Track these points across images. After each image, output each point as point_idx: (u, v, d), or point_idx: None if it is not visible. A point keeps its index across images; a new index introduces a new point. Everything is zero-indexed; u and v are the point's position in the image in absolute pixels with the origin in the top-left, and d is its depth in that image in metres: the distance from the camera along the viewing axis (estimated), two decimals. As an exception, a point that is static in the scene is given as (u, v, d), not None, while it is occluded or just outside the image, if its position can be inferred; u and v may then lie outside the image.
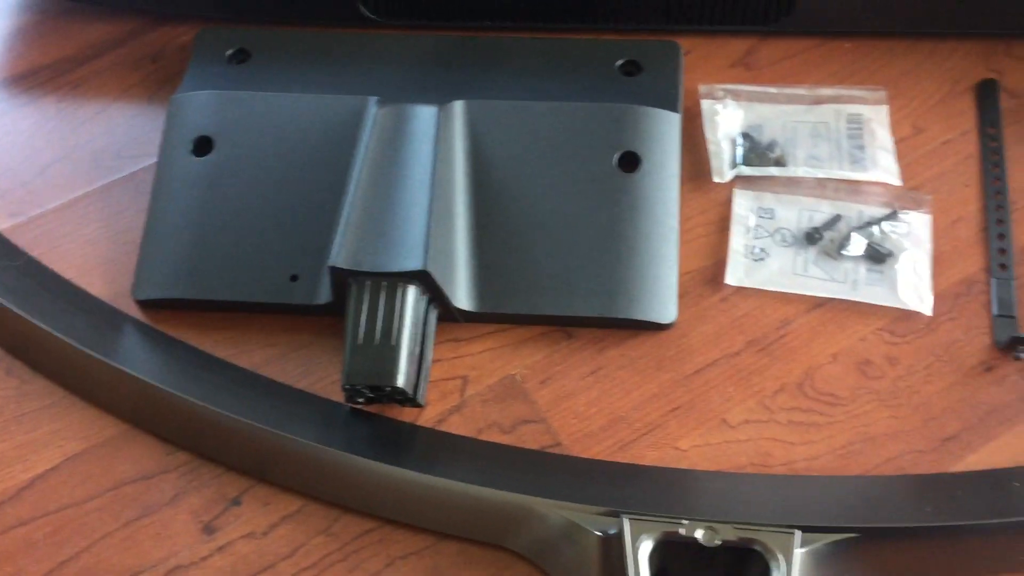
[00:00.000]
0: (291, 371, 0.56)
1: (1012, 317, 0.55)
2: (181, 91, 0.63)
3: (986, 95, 0.63)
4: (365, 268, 0.51)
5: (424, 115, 0.57)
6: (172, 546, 0.52)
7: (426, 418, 0.54)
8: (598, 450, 0.53)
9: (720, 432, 0.53)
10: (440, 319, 0.55)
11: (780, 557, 0.42)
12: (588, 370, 0.55)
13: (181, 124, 0.61)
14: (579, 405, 0.54)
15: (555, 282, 0.55)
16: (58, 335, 0.54)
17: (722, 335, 0.56)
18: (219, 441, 0.53)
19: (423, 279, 0.51)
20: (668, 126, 0.59)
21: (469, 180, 0.57)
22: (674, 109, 0.60)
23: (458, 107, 0.59)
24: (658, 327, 0.55)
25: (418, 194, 0.54)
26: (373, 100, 0.59)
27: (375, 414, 0.54)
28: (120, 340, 0.56)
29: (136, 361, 0.54)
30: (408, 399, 0.52)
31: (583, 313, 0.55)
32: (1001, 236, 0.58)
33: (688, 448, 0.53)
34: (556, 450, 0.53)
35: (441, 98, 0.59)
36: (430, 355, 0.54)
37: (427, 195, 0.53)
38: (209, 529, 0.52)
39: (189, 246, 0.57)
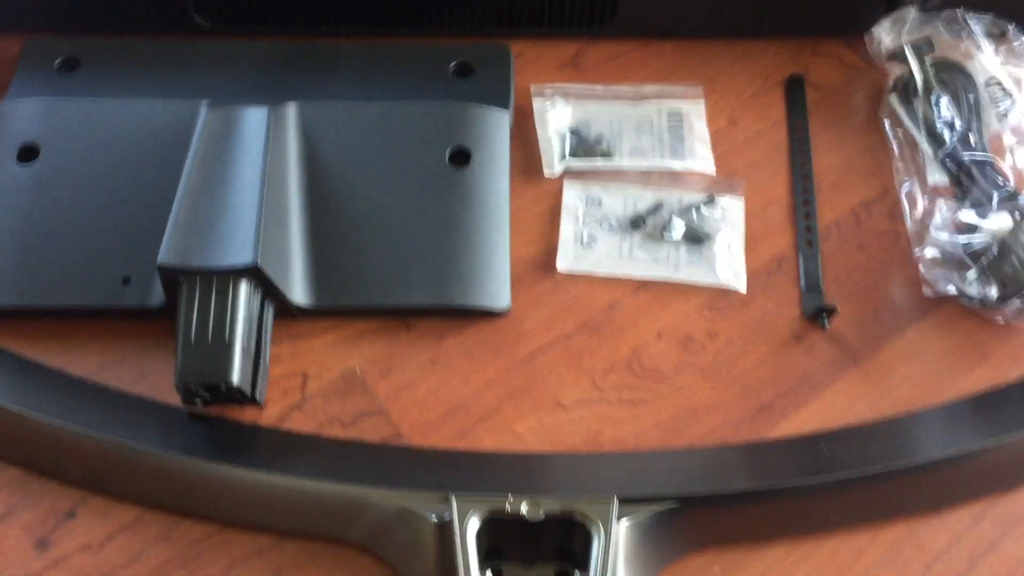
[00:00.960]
0: (126, 376, 0.55)
1: (818, 289, 0.59)
2: (6, 101, 0.62)
3: (794, 89, 0.68)
4: (194, 264, 0.51)
5: (254, 116, 0.58)
6: (4, 562, 0.50)
7: (268, 416, 0.55)
8: (437, 438, 0.54)
9: (554, 414, 0.55)
10: (277, 315, 0.55)
11: (600, 524, 0.44)
12: (427, 359, 0.57)
13: (5, 132, 0.60)
14: (418, 395, 0.56)
15: (391, 274, 0.56)
16: None
17: (555, 319, 0.58)
18: (50, 453, 0.52)
19: (255, 274, 0.52)
20: (498, 122, 0.61)
21: (304, 179, 0.58)
22: (504, 106, 0.62)
23: (291, 108, 0.59)
24: (493, 313, 0.57)
25: (248, 192, 0.54)
26: (204, 103, 0.59)
27: (215, 416, 0.54)
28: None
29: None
30: (246, 397, 0.52)
31: (419, 303, 0.56)
32: (807, 216, 0.62)
33: (524, 431, 0.55)
34: (396, 441, 0.54)
35: (274, 101, 0.60)
36: (268, 352, 0.54)
37: (258, 193, 0.54)
38: (42, 544, 0.51)
39: (15, 254, 0.56)
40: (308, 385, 0.56)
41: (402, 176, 0.58)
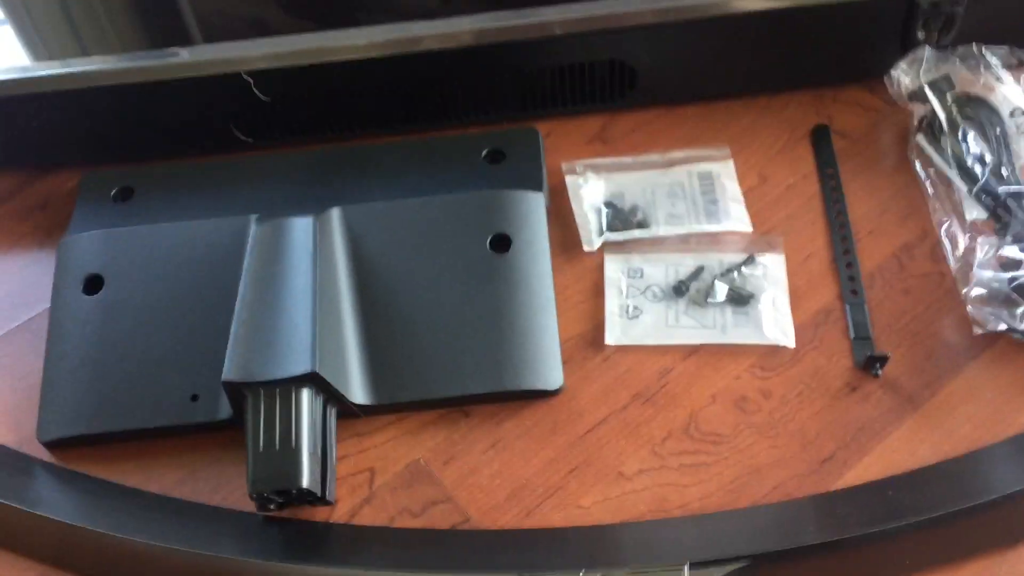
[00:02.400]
0: (202, 490, 0.57)
1: (868, 338, 0.59)
2: (68, 234, 0.66)
3: (820, 139, 0.69)
4: (257, 378, 0.53)
5: (301, 226, 0.60)
6: None
7: (339, 514, 0.56)
8: (505, 520, 0.55)
9: (618, 485, 0.56)
10: (340, 416, 0.57)
11: (672, 593, 0.44)
12: (488, 444, 0.58)
13: (70, 265, 0.63)
14: (483, 479, 0.57)
15: (445, 366, 0.58)
16: (-35, 488, 0.54)
17: (609, 393, 0.59)
18: (139, 570, 0.54)
19: (315, 380, 0.54)
20: (533, 205, 0.63)
21: (353, 281, 0.60)
22: (537, 188, 0.64)
23: (335, 214, 0.62)
24: (547, 394, 0.58)
25: (302, 301, 0.56)
26: (253, 218, 0.62)
27: (289, 519, 0.56)
28: (30, 484, 0.57)
29: (47, 503, 0.55)
30: (317, 498, 0.54)
31: (475, 391, 0.57)
32: (849, 265, 0.63)
33: (590, 505, 0.55)
34: (465, 526, 0.55)
35: (319, 208, 0.62)
36: (334, 452, 0.56)
37: (310, 301, 0.56)
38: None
39: (88, 382, 0.59)
40: (375, 480, 0.57)
41: (446, 267, 0.60)
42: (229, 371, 0.54)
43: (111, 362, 0.59)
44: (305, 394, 0.54)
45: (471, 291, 0.60)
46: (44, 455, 0.59)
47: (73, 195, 0.69)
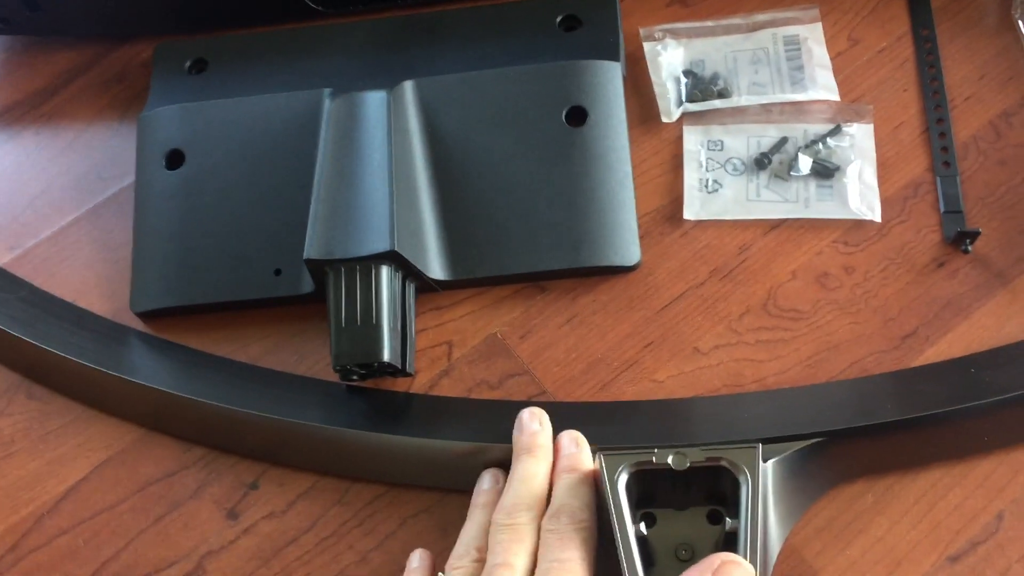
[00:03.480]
0: (288, 359, 0.59)
1: (959, 212, 0.57)
2: (147, 109, 0.66)
3: (917, -3, 0.65)
4: (337, 256, 0.54)
5: (375, 101, 0.60)
6: (201, 534, 0.56)
7: (419, 385, 0.58)
8: (580, 393, 0.56)
9: (693, 360, 0.56)
10: (419, 291, 0.58)
11: (746, 471, 0.45)
12: (564, 319, 0.59)
13: (151, 141, 0.64)
14: (559, 353, 0.58)
15: (521, 241, 0.58)
16: (69, 357, 0.57)
17: (686, 268, 0.59)
18: (231, 434, 0.57)
19: (394, 258, 0.55)
20: (610, 76, 0.61)
21: (428, 156, 0.60)
22: (614, 59, 0.62)
23: (408, 87, 0.61)
24: (624, 270, 0.58)
25: (378, 178, 0.56)
26: (327, 92, 0.62)
27: (371, 388, 0.58)
28: (126, 353, 0.60)
29: (144, 371, 0.58)
30: (398, 370, 0.55)
31: (552, 267, 0.58)
32: (942, 135, 0.60)
33: (665, 379, 0.56)
34: (542, 398, 0.56)
35: (392, 80, 0.61)
36: (413, 326, 0.57)
37: (387, 178, 0.56)
38: (232, 515, 0.56)
39: (176, 256, 0.60)
40: (453, 353, 0.58)
41: (521, 142, 0.60)
42: (310, 249, 0.55)
43: (196, 236, 0.60)
44: (384, 271, 0.54)
45: (546, 165, 0.59)
46: (137, 325, 0.62)
47: (148, 66, 0.70)
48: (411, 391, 0.58)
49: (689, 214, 0.60)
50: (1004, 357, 0.52)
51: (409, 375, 0.57)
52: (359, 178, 0.57)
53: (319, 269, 0.55)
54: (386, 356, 0.53)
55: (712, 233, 0.60)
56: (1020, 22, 0.62)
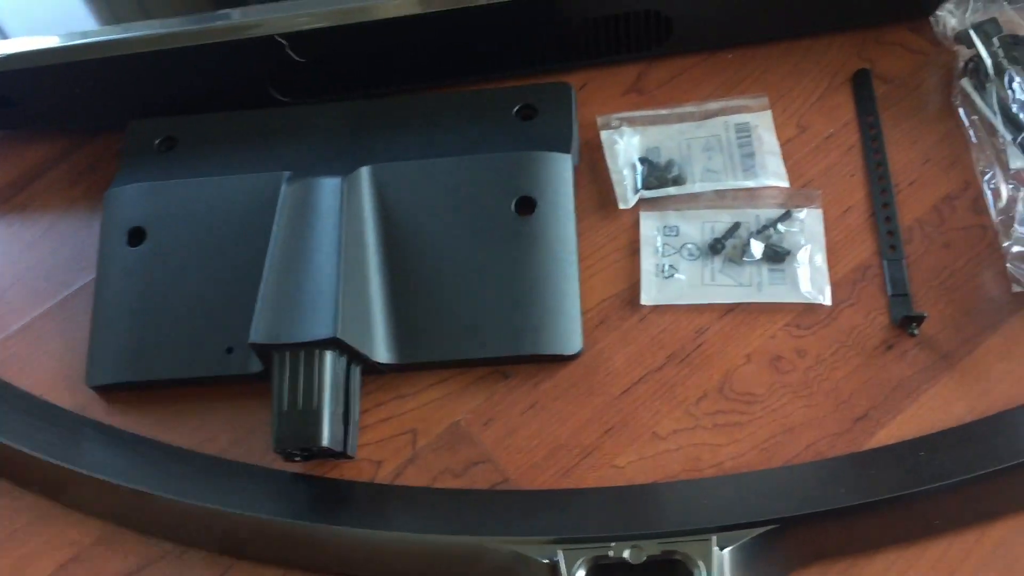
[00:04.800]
0: (245, 439, 0.60)
1: (906, 295, 0.59)
2: (115, 185, 0.67)
3: (861, 85, 0.67)
4: (281, 340, 0.56)
5: (329, 187, 0.61)
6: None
7: (384, 474, 0.59)
8: (543, 480, 0.57)
9: (653, 445, 0.57)
10: (367, 372, 0.60)
11: (700, 563, 0.46)
12: (526, 406, 0.60)
13: (116, 218, 0.65)
14: (521, 440, 0.59)
15: (467, 327, 0.59)
16: (35, 454, 0.58)
17: (644, 353, 0.60)
18: (194, 528, 0.57)
19: (337, 344, 0.56)
20: (560, 167, 0.63)
21: (380, 241, 0.61)
22: (565, 150, 0.64)
23: (364, 174, 0.63)
24: (565, 359, 0.60)
25: (327, 264, 0.58)
26: (286, 175, 0.63)
27: (335, 479, 0.59)
28: (90, 448, 0.61)
29: (106, 466, 0.58)
30: (339, 454, 0.56)
31: (494, 354, 0.59)
32: (888, 219, 0.62)
33: (625, 465, 0.57)
34: (505, 486, 0.57)
35: (350, 165, 0.63)
36: (358, 409, 0.58)
37: (336, 263, 0.58)
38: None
39: (132, 332, 0.62)
40: (418, 441, 0.59)
41: (471, 228, 0.61)
42: (256, 333, 0.56)
43: (153, 313, 0.62)
44: (328, 356, 0.56)
45: (495, 253, 0.61)
46: (97, 402, 0.62)
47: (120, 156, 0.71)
48: (376, 480, 0.58)
49: (646, 299, 0.62)
50: (951, 440, 0.54)
51: (350, 458, 0.58)
52: (308, 263, 0.58)
53: (265, 352, 0.57)
54: (325, 441, 0.55)
55: (669, 318, 0.61)
56: (960, 109, 0.64)
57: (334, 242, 0.59)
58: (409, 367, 0.61)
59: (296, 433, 0.55)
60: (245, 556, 0.57)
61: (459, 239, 0.61)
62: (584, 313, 0.61)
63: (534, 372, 0.60)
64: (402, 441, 0.59)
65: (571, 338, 0.60)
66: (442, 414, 0.60)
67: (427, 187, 0.63)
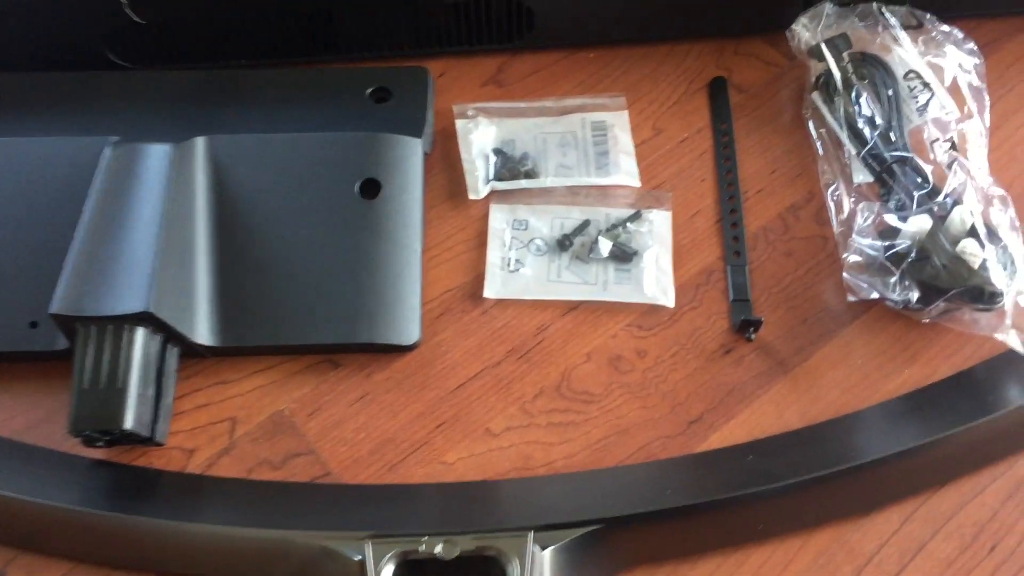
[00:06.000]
0: (45, 422, 0.55)
1: (747, 300, 0.59)
2: None
3: (717, 92, 0.68)
4: (86, 313, 0.51)
5: (156, 153, 0.57)
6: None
7: (196, 463, 0.54)
8: (367, 475, 0.54)
9: (484, 442, 0.55)
10: (187, 355, 0.55)
11: (515, 560, 0.44)
12: (356, 396, 0.57)
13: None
14: (347, 432, 0.55)
15: (299, 312, 0.56)
16: None
17: (484, 347, 0.58)
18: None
19: (151, 320, 0.52)
20: (409, 151, 0.61)
21: (212, 215, 0.57)
22: (416, 134, 0.61)
23: (199, 144, 0.59)
24: (402, 349, 0.57)
25: (145, 234, 0.54)
26: (110, 141, 0.59)
27: (134, 466, 0.54)
28: None
29: None
30: (147, 440, 0.52)
31: (326, 340, 0.56)
32: (734, 225, 0.62)
33: (454, 461, 0.54)
34: (326, 479, 0.54)
35: (185, 135, 0.59)
36: (171, 393, 0.54)
37: (156, 234, 0.53)
38: (-23, 606, 0.51)
39: None
40: (236, 430, 0.55)
41: (312, 209, 0.58)
42: (57, 303, 0.51)
43: None
44: (140, 332, 0.52)
45: (335, 236, 0.57)
46: None
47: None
48: (187, 469, 0.54)
49: (490, 292, 0.60)
50: (780, 445, 0.53)
51: (159, 444, 0.53)
52: (124, 232, 0.54)
53: (69, 325, 0.52)
54: (128, 424, 0.50)
55: (512, 312, 0.59)
56: (810, 122, 0.65)
57: (157, 212, 0.55)
58: (234, 351, 0.57)
59: (96, 414, 0.50)
60: (32, 547, 0.52)
61: (297, 219, 0.58)
62: (425, 303, 0.59)
63: (367, 362, 0.58)
64: (219, 429, 0.55)
65: (408, 328, 0.57)
66: (265, 402, 0.56)
67: (267, 163, 0.60)
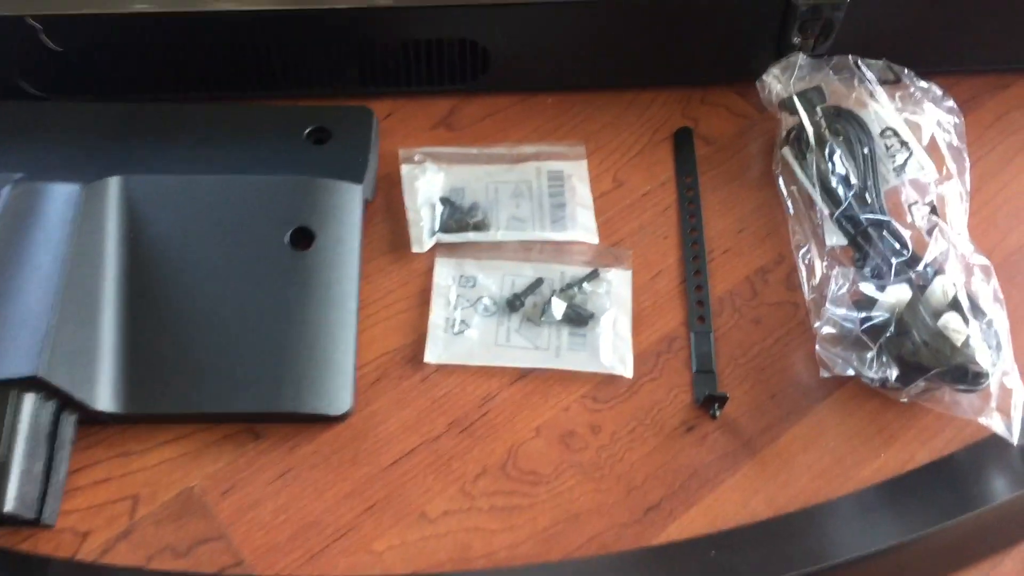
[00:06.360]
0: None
1: (711, 372, 0.54)
2: None
3: (683, 143, 0.63)
4: None
5: (61, 194, 0.51)
6: None
7: (89, 549, 0.48)
8: (284, 565, 0.48)
9: (419, 528, 0.49)
10: (86, 422, 0.49)
11: None
12: (276, 473, 0.51)
13: None
14: (265, 514, 0.49)
15: (218, 375, 0.50)
16: None
17: (423, 419, 0.52)
18: None
19: (41, 385, 0.46)
20: (347, 199, 0.55)
21: (121, 265, 0.51)
22: (356, 180, 0.56)
23: (112, 184, 0.53)
24: (330, 419, 0.51)
25: (42, 285, 0.48)
26: (13, 178, 0.52)
27: (25, 554, 0.47)
28: None
29: None
30: (32, 522, 0.46)
31: (247, 409, 0.50)
32: (699, 288, 0.57)
33: (384, 550, 0.49)
34: (237, 570, 0.48)
35: (97, 174, 0.53)
36: (64, 467, 0.48)
37: (55, 286, 0.47)
38: None
39: None
40: (138, 509, 0.49)
41: (237, 260, 0.53)
42: None
43: None
44: (28, 399, 0.46)
45: (260, 291, 0.52)
46: None
47: None
48: (77, 557, 0.48)
49: (431, 356, 0.54)
50: (745, 539, 0.48)
51: (48, 526, 0.47)
52: (18, 283, 0.48)
53: None
54: (8, 506, 0.44)
55: (455, 379, 0.54)
56: (780, 178, 0.61)
57: (57, 260, 0.49)
58: (141, 419, 0.51)
59: None
60: None
61: (219, 271, 0.52)
62: (359, 368, 0.53)
63: (292, 434, 0.52)
64: (119, 509, 0.49)
65: (339, 396, 0.51)
66: (174, 478, 0.50)
67: (188, 207, 0.54)
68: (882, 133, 0.60)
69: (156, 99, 0.62)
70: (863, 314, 0.51)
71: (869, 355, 0.51)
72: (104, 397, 0.49)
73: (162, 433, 0.51)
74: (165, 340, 0.51)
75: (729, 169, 0.62)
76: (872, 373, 0.50)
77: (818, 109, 0.60)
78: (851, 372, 0.51)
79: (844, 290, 0.53)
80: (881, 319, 0.51)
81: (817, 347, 0.53)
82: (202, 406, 0.50)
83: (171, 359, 0.50)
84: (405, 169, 0.61)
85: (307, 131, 0.59)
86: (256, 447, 0.51)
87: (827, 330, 0.52)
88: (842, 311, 0.52)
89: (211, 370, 0.50)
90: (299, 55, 0.61)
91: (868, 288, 0.52)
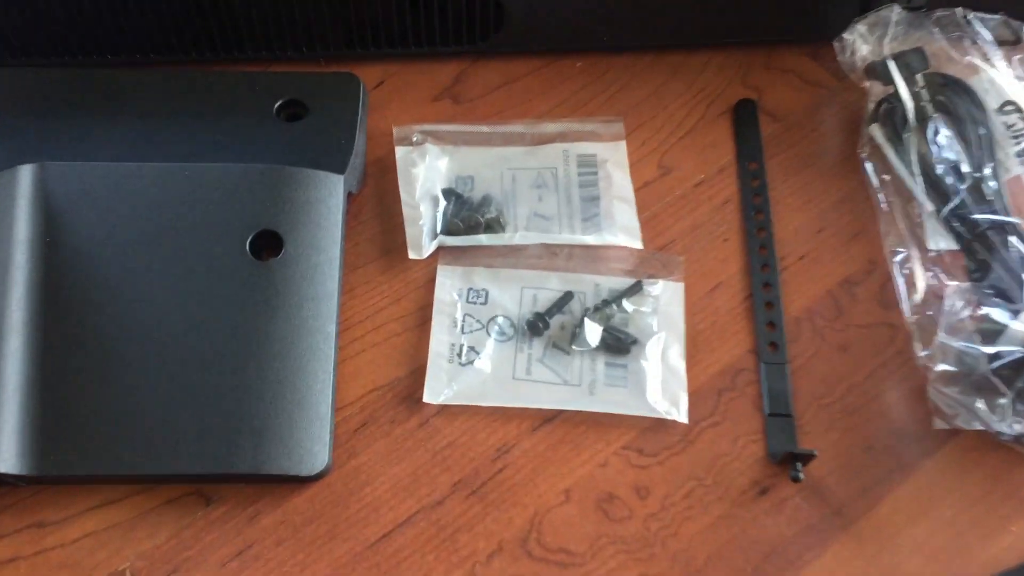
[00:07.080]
0: None
1: (788, 416, 0.42)
2: None
3: (744, 120, 0.51)
4: None
5: None
6: None
7: (-12, 656, 0.37)
8: None
9: (416, 625, 0.38)
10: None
11: None
12: (233, 551, 0.40)
13: None
14: (217, 608, 0.38)
15: (154, 427, 0.39)
16: None
17: (420, 478, 0.41)
18: None
19: None
20: (324, 193, 0.44)
21: (34, 281, 0.41)
22: (338, 169, 0.45)
23: (23, 174, 0.42)
24: (303, 480, 0.40)
25: None
26: None
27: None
28: None
29: None
30: None
31: (193, 471, 0.39)
32: (769, 305, 0.46)
33: (370, 658, 0.38)
34: None
35: (7, 160, 0.43)
36: None
37: None
38: None
39: None
40: (54, 602, 0.38)
41: (183, 275, 0.41)
42: None
43: None
44: None
45: (213, 315, 0.41)
46: None
47: None
48: (-28, 668, 0.37)
49: (430, 396, 0.43)
50: (845, 649, 0.37)
51: None
52: None
53: None
54: None
55: (461, 425, 0.43)
56: (868, 164, 0.49)
57: None
58: (59, 480, 0.40)
59: None
60: None
61: (160, 289, 0.41)
62: (339, 410, 0.42)
63: (253, 498, 0.41)
64: (28, 601, 0.38)
65: (312, 451, 0.40)
66: (99, 557, 0.39)
67: (122, 205, 0.43)
68: (1000, 108, 0.48)
69: (87, 64, 0.51)
70: (992, 349, 0.39)
71: (1002, 401, 0.39)
72: (7, 456, 0.38)
73: (87, 497, 0.40)
74: (88, 380, 0.40)
75: (803, 152, 0.50)
76: (1007, 428, 0.39)
77: (918, 77, 0.48)
78: (977, 425, 0.40)
79: (963, 313, 0.41)
80: (1019, 355, 0.39)
81: (929, 390, 0.41)
82: (135, 467, 0.39)
83: (95, 405, 0.40)
84: (400, 152, 0.49)
85: (277, 105, 0.48)
86: (207, 516, 0.40)
87: (942, 367, 0.41)
88: (961, 343, 0.40)
89: (148, 419, 0.39)
90: (268, 6, 0.49)
91: (999, 314, 0.40)
